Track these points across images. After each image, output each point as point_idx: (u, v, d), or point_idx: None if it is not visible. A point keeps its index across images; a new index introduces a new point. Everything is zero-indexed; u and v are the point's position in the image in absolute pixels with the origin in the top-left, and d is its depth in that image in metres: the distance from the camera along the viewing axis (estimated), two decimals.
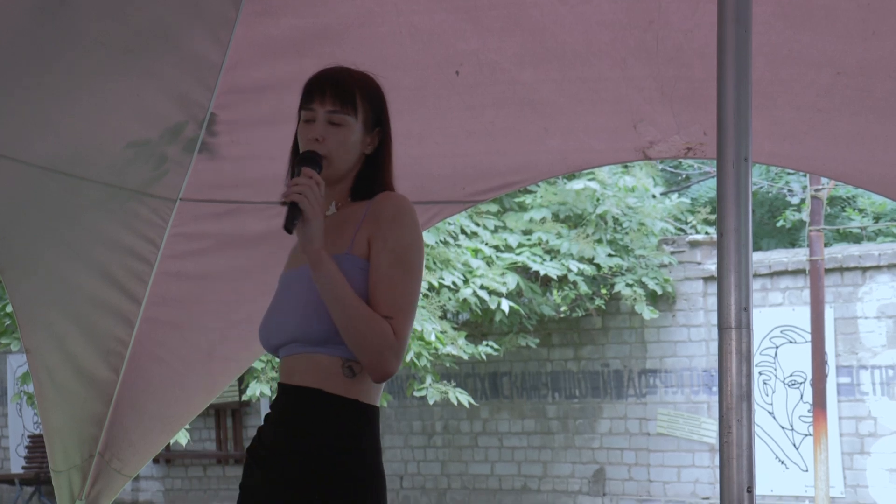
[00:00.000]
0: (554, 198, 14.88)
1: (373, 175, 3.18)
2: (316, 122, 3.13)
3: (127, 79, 3.98)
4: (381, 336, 3.01)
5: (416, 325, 13.19)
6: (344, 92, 3.15)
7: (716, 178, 2.93)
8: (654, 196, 15.46)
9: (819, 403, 13.08)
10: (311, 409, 3.05)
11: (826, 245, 14.48)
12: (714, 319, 13.01)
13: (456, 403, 14.40)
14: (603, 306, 15.21)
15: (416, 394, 14.18)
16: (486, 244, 14.46)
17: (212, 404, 14.84)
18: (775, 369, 14.43)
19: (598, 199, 14.82)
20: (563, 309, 15.03)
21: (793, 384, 14.38)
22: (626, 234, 15.02)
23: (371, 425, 3.08)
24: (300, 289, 3.10)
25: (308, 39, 4.02)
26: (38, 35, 3.71)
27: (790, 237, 21.13)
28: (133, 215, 4.36)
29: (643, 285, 14.84)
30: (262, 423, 3.20)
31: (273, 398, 3.25)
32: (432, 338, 13.43)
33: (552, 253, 14.76)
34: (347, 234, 3.11)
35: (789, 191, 18.61)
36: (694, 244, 15.21)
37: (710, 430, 14.67)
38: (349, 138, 3.13)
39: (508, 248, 14.67)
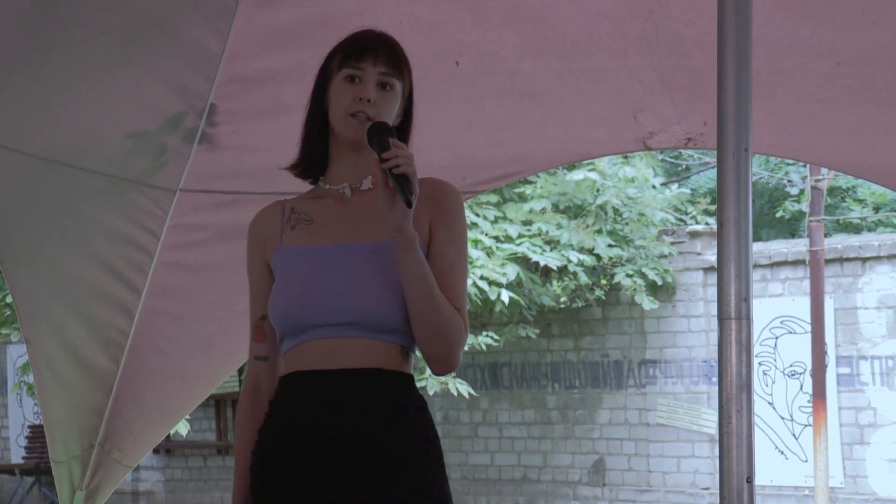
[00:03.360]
0: (554, 188, 14.87)
1: None
2: (363, 82, 2.96)
3: (127, 69, 3.98)
4: (457, 328, 2.90)
5: None
6: (396, 55, 3.00)
7: (716, 169, 2.93)
8: (654, 186, 15.46)
9: (819, 394, 13.08)
10: (381, 388, 2.89)
11: (826, 235, 14.48)
12: (714, 310, 13.01)
13: (456, 394, 14.41)
14: (603, 297, 15.21)
15: (416, 384, 14.16)
16: (486, 235, 14.46)
17: (212, 395, 14.83)
18: (775, 360, 14.44)
19: (598, 190, 14.81)
20: (563, 299, 15.03)
21: (792, 375, 14.38)
22: (626, 224, 15.02)
23: None
24: (363, 268, 2.91)
25: (308, 29, 4.01)
26: (38, 25, 3.71)
27: (790, 228, 21.13)
28: (133, 206, 4.36)
29: (643, 276, 14.84)
30: (282, 414, 2.95)
31: (286, 388, 2.97)
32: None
33: (552, 243, 14.75)
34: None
35: (789, 181, 18.60)
36: (694, 235, 15.21)
37: (709, 420, 14.68)
38: (393, 104, 2.99)
39: (508, 239, 14.66)
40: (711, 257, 14.52)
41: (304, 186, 3.15)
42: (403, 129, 3.06)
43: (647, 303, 14.72)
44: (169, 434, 11.69)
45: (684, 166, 20.55)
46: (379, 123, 2.91)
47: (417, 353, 3.01)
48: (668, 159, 20.05)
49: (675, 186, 16.44)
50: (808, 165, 14.41)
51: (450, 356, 2.92)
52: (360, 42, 3.00)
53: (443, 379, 14.20)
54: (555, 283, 15.00)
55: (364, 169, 3.02)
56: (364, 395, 2.88)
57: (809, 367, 13.64)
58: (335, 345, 2.89)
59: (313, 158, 3.06)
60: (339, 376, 2.88)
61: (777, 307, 14.34)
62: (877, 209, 19.81)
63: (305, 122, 3.07)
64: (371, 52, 2.97)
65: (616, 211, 14.97)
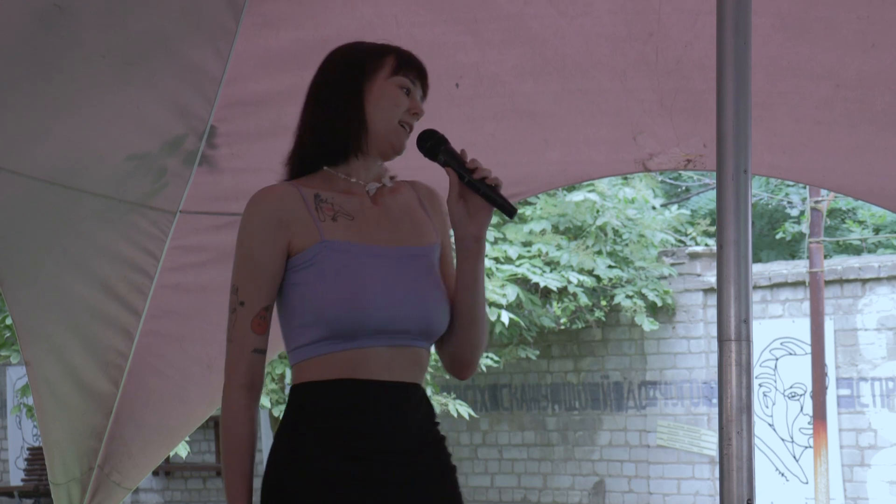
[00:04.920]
0: (554, 209, 14.89)
1: None
2: (413, 97, 2.94)
3: (127, 91, 3.98)
4: (486, 334, 2.97)
5: None
6: (427, 83, 3.00)
7: (715, 190, 2.94)
8: (653, 207, 15.48)
9: (819, 415, 13.07)
10: (425, 404, 2.90)
11: (826, 257, 14.49)
12: (714, 331, 13.01)
13: (456, 415, 14.39)
14: (603, 318, 15.21)
15: None
16: (486, 256, 14.45)
17: (211, 416, 14.81)
18: (775, 381, 14.43)
19: (597, 211, 14.83)
20: (562, 321, 15.03)
21: (793, 396, 14.37)
22: (626, 245, 15.03)
23: None
24: (422, 274, 2.87)
25: (308, 52, 4.02)
26: (38, 46, 3.71)
27: (790, 249, 21.14)
28: (133, 228, 4.36)
29: (643, 297, 14.83)
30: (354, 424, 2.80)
31: (344, 395, 2.83)
32: (431, 350, 13.42)
33: (552, 264, 14.76)
34: (422, 221, 2.93)
35: (789, 203, 18.62)
36: (694, 256, 15.21)
37: (710, 442, 14.66)
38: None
39: (508, 260, 14.67)
40: (711, 278, 14.52)
41: None
42: None
43: (647, 324, 14.72)
44: (168, 456, 11.67)
45: (684, 187, 20.57)
46: (434, 131, 2.93)
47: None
48: (668, 180, 20.06)
49: (674, 208, 16.46)
50: (807, 187, 14.43)
51: (478, 360, 3.00)
52: (412, 57, 2.96)
53: (443, 400, 14.18)
54: (555, 304, 15.00)
55: (376, 170, 2.95)
56: (419, 412, 2.87)
57: (810, 388, 13.63)
58: (393, 354, 2.82)
59: (339, 146, 2.91)
60: (396, 389, 2.81)
61: (777, 328, 14.34)
62: (877, 231, 19.82)
63: (335, 106, 2.90)
64: (420, 71, 2.96)
65: (616, 232, 14.98)
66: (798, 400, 14.33)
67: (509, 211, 2.86)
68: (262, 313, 2.84)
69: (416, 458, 2.84)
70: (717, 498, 2.97)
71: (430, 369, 13.66)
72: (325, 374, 2.80)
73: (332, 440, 2.79)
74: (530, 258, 14.73)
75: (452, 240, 3.00)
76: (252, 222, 2.85)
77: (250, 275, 2.84)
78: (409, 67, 2.93)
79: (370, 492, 2.78)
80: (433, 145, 2.92)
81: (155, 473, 18.29)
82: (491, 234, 14.69)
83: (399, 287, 2.81)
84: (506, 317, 14.16)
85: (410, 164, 3.08)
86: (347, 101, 2.89)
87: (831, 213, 18.98)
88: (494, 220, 14.86)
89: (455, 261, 2.94)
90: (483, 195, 2.86)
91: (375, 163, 2.94)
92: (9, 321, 11.58)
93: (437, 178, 3.03)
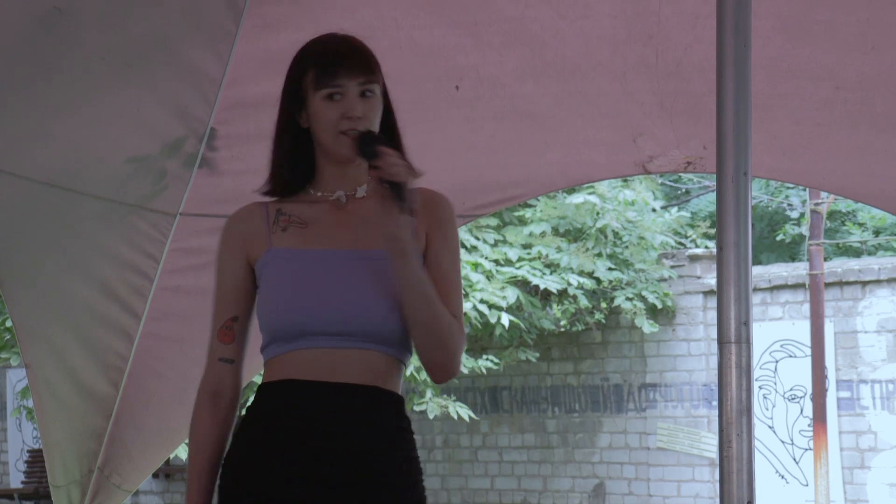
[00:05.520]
0: (554, 212, 14.89)
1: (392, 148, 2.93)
2: (346, 97, 2.87)
3: (127, 93, 3.99)
4: (457, 336, 2.85)
5: None
6: (367, 58, 2.91)
7: (715, 193, 2.94)
8: (653, 210, 15.48)
9: (819, 418, 13.07)
10: (379, 408, 2.84)
11: (826, 259, 14.49)
12: (714, 333, 12.95)
13: (456, 417, 14.39)
14: (603, 320, 15.21)
15: (416, 408, 14.16)
16: (486, 258, 14.46)
17: None
18: (775, 383, 14.43)
19: (597, 213, 14.83)
20: (562, 323, 15.03)
21: (793, 398, 14.37)
22: (626, 247, 15.03)
23: None
24: (366, 276, 2.84)
25: None
26: (38, 48, 3.71)
27: (790, 251, 21.14)
28: (133, 230, 4.36)
29: (643, 299, 14.84)
30: (267, 426, 2.87)
31: (276, 395, 2.88)
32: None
33: (552, 267, 14.76)
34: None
35: (789, 205, 18.62)
36: (694, 258, 15.21)
37: (710, 444, 14.65)
38: (378, 108, 2.91)
39: (508, 262, 14.67)
40: (711, 281, 14.52)
41: None
42: (390, 125, 2.98)
43: (647, 326, 14.72)
44: (168, 458, 11.68)
45: (684, 190, 20.57)
46: (367, 133, 2.85)
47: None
48: (668, 183, 20.07)
49: (674, 210, 16.47)
50: (807, 189, 14.43)
51: (450, 363, 2.88)
52: (330, 56, 2.91)
53: (443, 402, 14.18)
54: (555, 306, 15.00)
55: (356, 178, 2.95)
56: (363, 415, 2.83)
57: (810, 390, 13.63)
58: (335, 355, 2.83)
59: (292, 175, 2.97)
60: (338, 390, 2.82)
61: (777, 331, 14.34)
62: (877, 233, 19.82)
63: (277, 139, 2.97)
64: (344, 66, 2.89)
65: (616, 234, 14.98)
66: (798, 402, 14.33)
67: (404, 209, 2.76)
68: (227, 323, 3.00)
69: (356, 460, 2.81)
70: (718, 500, 2.97)
71: None
72: (272, 376, 2.89)
73: (263, 437, 2.85)
74: (530, 260, 14.73)
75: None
76: (221, 239, 3.01)
77: (217, 288, 3.01)
78: (329, 72, 2.89)
79: (294, 488, 2.81)
80: (361, 146, 2.85)
81: (155, 476, 18.28)
82: (491, 236, 14.69)
83: (337, 289, 2.84)
84: (506, 319, 14.16)
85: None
86: (288, 133, 2.96)
87: (831, 215, 18.98)
88: (494, 222, 14.86)
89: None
90: (392, 193, 2.77)
91: (349, 168, 2.94)
92: (9, 323, 11.58)
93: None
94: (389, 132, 2.97)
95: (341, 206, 2.94)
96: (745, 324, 2.85)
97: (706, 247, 15.96)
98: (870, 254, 18.93)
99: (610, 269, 14.82)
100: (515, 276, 14.49)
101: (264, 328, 2.91)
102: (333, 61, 2.90)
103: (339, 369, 2.83)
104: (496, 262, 14.61)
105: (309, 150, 2.96)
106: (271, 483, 2.83)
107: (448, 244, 2.94)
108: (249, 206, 3.01)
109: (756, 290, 14.30)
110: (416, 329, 2.84)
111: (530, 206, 14.95)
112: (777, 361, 14.41)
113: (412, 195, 2.77)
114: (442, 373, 2.90)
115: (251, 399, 2.97)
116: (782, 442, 14.40)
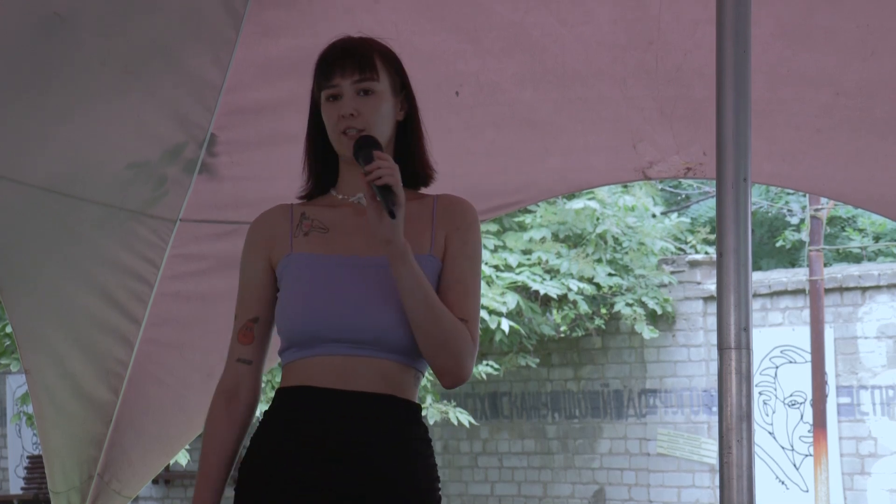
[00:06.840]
0: (553, 217, 14.89)
1: (411, 150, 2.98)
2: (343, 98, 2.90)
3: (127, 99, 3.99)
4: (463, 339, 2.83)
5: None
6: (364, 56, 2.93)
7: (715, 198, 2.94)
8: (653, 215, 15.48)
9: (819, 423, 13.06)
10: (394, 417, 2.84)
11: (826, 265, 14.49)
12: (714, 339, 12.95)
13: (456, 423, 14.38)
14: (603, 326, 15.20)
15: None
16: (486, 264, 14.46)
17: None
18: (775, 389, 14.42)
19: (597, 219, 14.83)
20: (562, 328, 15.03)
21: (793, 404, 14.36)
22: (626, 253, 15.03)
23: None
24: (384, 283, 2.84)
25: (308, 59, 4.00)
26: (38, 54, 3.72)
27: (790, 257, 21.14)
28: (133, 235, 4.36)
29: (643, 305, 14.83)
30: (280, 434, 2.87)
31: (292, 400, 2.88)
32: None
33: (552, 272, 14.76)
34: (422, 230, 2.92)
35: (789, 211, 18.62)
36: (694, 264, 15.21)
37: (710, 450, 14.65)
38: (380, 105, 2.91)
39: (508, 268, 14.66)
40: (711, 286, 14.52)
41: None
42: (410, 125, 3.00)
43: (647, 332, 14.71)
44: (168, 464, 11.66)
45: (684, 195, 20.58)
46: (363, 138, 2.87)
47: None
48: (668, 188, 20.07)
49: (674, 216, 16.48)
50: (807, 195, 14.43)
51: (457, 368, 2.85)
52: (326, 59, 2.96)
53: (443, 408, 14.17)
54: (555, 312, 14.99)
55: None
56: (379, 423, 2.83)
57: (810, 396, 13.62)
58: (350, 363, 2.83)
59: (319, 178, 3.02)
60: (354, 398, 2.82)
61: (777, 336, 14.33)
62: (877, 239, 19.82)
63: (305, 143, 3.03)
64: (338, 66, 2.92)
65: (616, 240, 14.98)
66: (798, 408, 14.32)
67: (388, 213, 2.75)
68: (248, 324, 2.97)
69: (372, 469, 2.81)
70: None
71: (430, 377, 13.66)
72: (289, 381, 2.90)
73: (279, 442, 2.86)
74: (530, 266, 14.73)
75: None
76: (246, 240, 3.03)
77: (240, 289, 3.00)
78: (326, 74, 2.94)
79: (308, 496, 2.81)
80: (355, 151, 2.87)
81: (155, 482, 18.26)
82: (491, 241, 14.69)
83: (352, 298, 2.84)
84: (506, 325, 14.16)
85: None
86: (312, 139, 3.02)
87: (831, 221, 18.98)
88: (494, 228, 14.85)
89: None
90: (378, 196, 2.77)
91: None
92: (9, 329, 11.58)
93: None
94: (410, 133, 2.99)
95: (362, 210, 2.94)
96: (745, 329, 2.85)
97: (706, 252, 15.95)
98: (870, 259, 18.93)
99: (610, 274, 14.82)
100: (515, 282, 14.49)
101: (281, 333, 2.92)
102: (329, 62, 2.95)
103: (355, 377, 2.83)
104: (496, 267, 14.61)
105: (333, 153, 3.00)
106: (287, 492, 2.83)
107: (466, 249, 2.93)
108: (275, 208, 3.03)
109: (756, 295, 14.30)
110: (417, 332, 2.82)
111: (530, 211, 14.95)
112: (777, 367, 14.40)
113: (399, 199, 2.76)
114: (449, 377, 2.87)
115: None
116: (782, 448, 14.39)
